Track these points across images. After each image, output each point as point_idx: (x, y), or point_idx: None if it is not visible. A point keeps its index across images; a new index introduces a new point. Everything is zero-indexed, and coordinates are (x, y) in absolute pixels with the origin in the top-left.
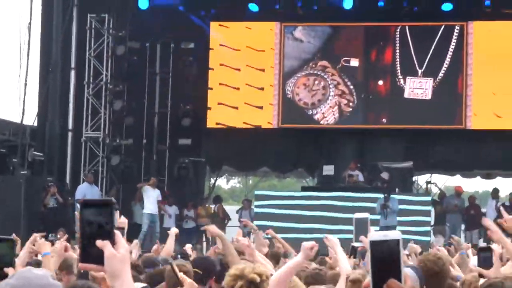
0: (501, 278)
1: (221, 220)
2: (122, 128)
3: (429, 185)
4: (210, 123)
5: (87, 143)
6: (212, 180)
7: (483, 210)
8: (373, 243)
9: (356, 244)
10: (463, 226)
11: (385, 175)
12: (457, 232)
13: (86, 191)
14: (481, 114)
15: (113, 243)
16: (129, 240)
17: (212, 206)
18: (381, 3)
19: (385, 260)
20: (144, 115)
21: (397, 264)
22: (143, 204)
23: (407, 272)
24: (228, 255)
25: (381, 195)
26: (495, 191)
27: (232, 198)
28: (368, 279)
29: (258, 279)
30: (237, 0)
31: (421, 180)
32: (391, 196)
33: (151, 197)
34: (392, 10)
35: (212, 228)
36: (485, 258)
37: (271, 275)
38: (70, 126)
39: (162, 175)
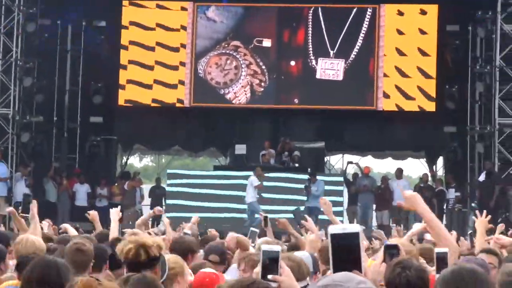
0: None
1: (133, 196)
2: (32, 105)
3: (350, 165)
4: (122, 101)
5: None
6: (125, 158)
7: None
8: (333, 236)
9: (253, 229)
10: (374, 206)
11: (297, 154)
12: (368, 212)
13: None
14: (392, 95)
15: None
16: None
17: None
18: None
19: (345, 252)
20: (55, 93)
21: (357, 256)
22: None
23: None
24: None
25: (295, 175)
26: (399, 171)
27: (145, 177)
28: (330, 271)
29: (149, 243)
30: None
31: (333, 159)
32: (318, 178)
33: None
34: None
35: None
36: (391, 255)
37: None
38: None
39: (73, 153)
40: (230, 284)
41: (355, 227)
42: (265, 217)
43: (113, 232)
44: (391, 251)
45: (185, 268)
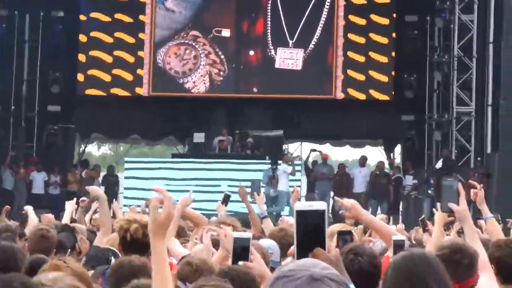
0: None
1: (91, 184)
2: None
3: (312, 153)
4: (80, 91)
5: None
6: (83, 147)
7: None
8: (299, 213)
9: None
10: (332, 193)
11: (250, 140)
12: (326, 199)
13: None
14: (351, 84)
15: None
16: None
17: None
18: None
19: (310, 229)
20: (13, 82)
21: (322, 233)
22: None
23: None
24: (103, 216)
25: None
26: (363, 159)
27: (103, 166)
28: (293, 248)
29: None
30: None
31: (292, 148)
32: (278, 167)
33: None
34: None
35: (93, 189)
36: (345, 241)
37: None
38: None
39: (31, 142)
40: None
41: (322, 205)
42: (228, 196)
43: (65, 220)
44: (344, 236)
45: None
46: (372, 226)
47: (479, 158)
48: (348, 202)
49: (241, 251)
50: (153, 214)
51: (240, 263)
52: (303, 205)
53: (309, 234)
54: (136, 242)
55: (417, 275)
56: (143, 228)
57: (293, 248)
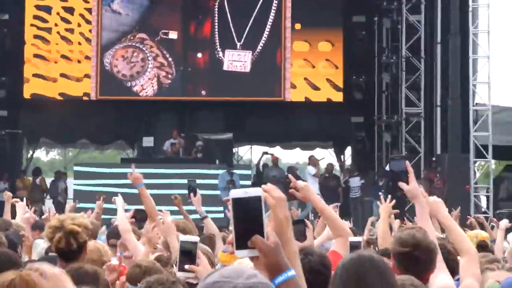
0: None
1: (42, 192)
2: None
3: (265, 156)
4: (27, 95)
5: None
6: (31, 152)
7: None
8: (235, 201)
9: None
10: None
11: (200, 144)
12: None
13: None
14: (299, 86)
15: None
16: None
17: (30, 178)
18: None
19: (248, 217)
20: None
21: (260, 221)
22: None
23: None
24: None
25: (209, 170)
26: (312, 159)
27: (51, 171)
28: (231, 236)
29: (77, 229)
30: None
31: (241, 151)
32: (233, 171)
33: None
34: None
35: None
36: (299, 231)
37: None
38: None
39: None
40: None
41: (257, 191)
42: (191, 186)
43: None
44: (299, 226)
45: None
46: (323, 213)
47: (434, 158)
48: (301, 183)
49: (187, 254)
50: None
51: (186, 266)
52: (238, 192)
53: (247, 222)
54: (61, 252)
55: (363, 276)
56: (67, 236)
57: (231, 237)
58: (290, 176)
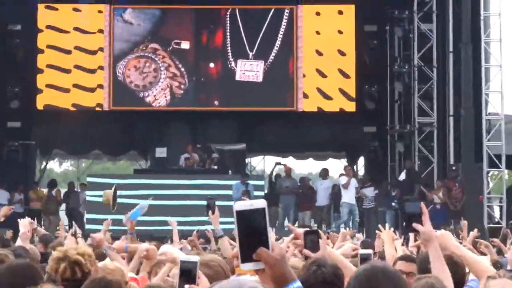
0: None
1: (57, 204)
2: None
3: (278, 166)
4: (40, 106)
5: None
6: (44, 163)
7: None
8: (239, 213)
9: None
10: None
11: (215, 156)
12: (289, 213)
13: None
14: (312, 96)
15: None
16: None
17: (44, 190)
18: None
19: (252, 229)
20: None
21: (264, 233)
22: None
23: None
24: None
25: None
26: (324, 172)
27: (64, 182)
28: (236, 249)
29: (81, 259)
30: None
31: (254, 161)
32: (248, 181)
33: None
34: None
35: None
36: (312, 241)
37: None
38: None
39: None
40: None
41: (261, 203)
42: (210, 203)
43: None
44: (311, 236)
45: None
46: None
47: (454, 168)
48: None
49: (187, 274)
50: None
51: (186, 286)
52: (242, 205)
53: (252, 234)
54: (68, 282)
55: (376, 287)
56: (72, 266)
57: (236, 250)
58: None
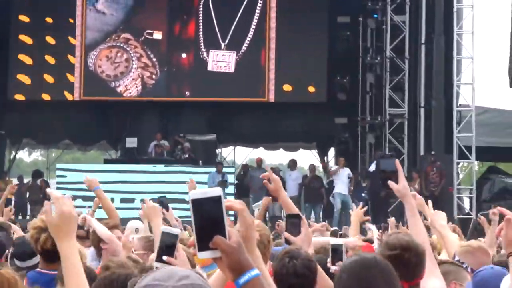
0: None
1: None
2: None
3: (248, 158)
4: (11, 95)
5: None
6: (14, 153)
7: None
8: (194, 202)
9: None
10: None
11: (187, 145)
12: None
13: None
14: (283, 87)
15: None
16: None
17: (14, 180)
18: None
19: (208, 218)
20: None
21: (221, 221)
22: None
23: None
24: None
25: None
26: (293, 162)
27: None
28: (193, 238)
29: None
30: None
31: (225, 152)
32: (224, 171)
33: None
34: None
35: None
36: (293, 224)
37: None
38: None
39: None
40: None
41: (217, 191)
42: (161, 201)
43: None
44: (293, 220)
45: None
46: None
47: (433, 152)
48: (274, 176)
49: (167, 246)
50: (46, 218)
51: (164, 258)
52: (197, 193)
53: (208, 223)
54: (47, 253)
55: (367, 279)
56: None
57: (193, 239)
58: (266, 167)
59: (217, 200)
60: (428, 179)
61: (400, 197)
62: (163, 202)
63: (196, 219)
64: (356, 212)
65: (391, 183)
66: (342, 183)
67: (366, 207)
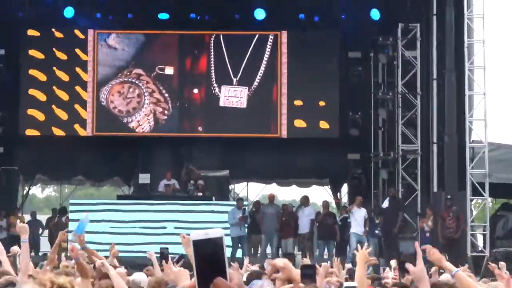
0: None
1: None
2: None
3: (261, 194)
4: (23, 131)
5: None
6: (27, 188)
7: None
8: (196, 243)
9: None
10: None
11: (201, 183)
12: (272, 240)
13: None
14: (296, 122)
15: None
16: None
17: (26, 216)
18: (192, 15)
19: (210, 259)
20: None
21: (222, 262)
22: None
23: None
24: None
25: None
26: (305, 199)
27: (47, 207)
28: (194, 279)
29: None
30: (51, 5)
31: (238, 188)
32: (244, 207)
33: None
34: (207, 20)
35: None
36: (307, 275)
37: None
38: None
39: None
40: None
41: (219, 232)
42: (163, 252)
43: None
44: (307, 271)
45: None
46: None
47: (449, 196)
48: (280, 261)
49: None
50: None
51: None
52: (199, 234)
53: (209, 264)
54: None
55: None
56: None
57: (194, 280)
58: (268, 261)
59: (218, 241)
60: (444, 225)
61: (415, 280)
62: (163, 253)
63: (197, 260)
64: (361, 253)
65: (408, 265)
66: (357, 224)
67: (370, 248)
